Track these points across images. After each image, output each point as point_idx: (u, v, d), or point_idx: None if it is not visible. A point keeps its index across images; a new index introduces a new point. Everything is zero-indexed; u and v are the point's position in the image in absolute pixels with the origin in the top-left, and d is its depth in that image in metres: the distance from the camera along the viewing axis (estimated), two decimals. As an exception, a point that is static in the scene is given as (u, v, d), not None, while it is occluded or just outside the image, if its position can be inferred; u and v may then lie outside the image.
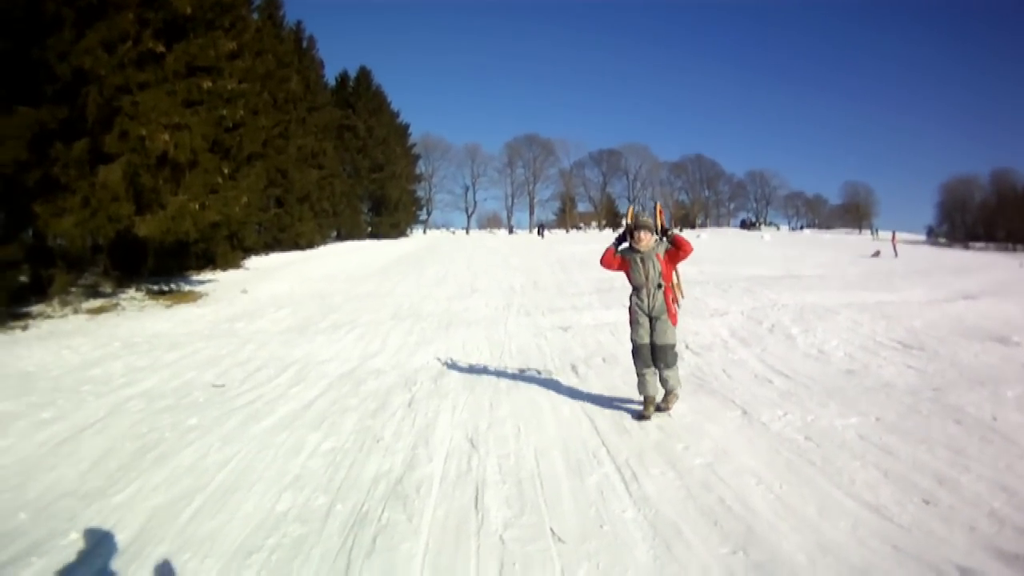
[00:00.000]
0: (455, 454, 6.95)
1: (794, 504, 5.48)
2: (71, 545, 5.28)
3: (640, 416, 8.01)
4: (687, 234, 10.20)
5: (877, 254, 45.63)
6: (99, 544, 5.26)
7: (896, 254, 45.79)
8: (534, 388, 9.58)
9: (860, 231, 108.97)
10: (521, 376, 10.43)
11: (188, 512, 5.72)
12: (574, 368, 10.81)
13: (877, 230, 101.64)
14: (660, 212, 8.50)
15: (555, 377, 10.29)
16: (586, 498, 5.75)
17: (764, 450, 6.70)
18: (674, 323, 8.06)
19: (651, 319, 8.01)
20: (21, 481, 6.60)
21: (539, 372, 10.76)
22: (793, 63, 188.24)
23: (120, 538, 5.33)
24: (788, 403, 8.30)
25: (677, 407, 8.09)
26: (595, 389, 9.40)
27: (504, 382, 10.01)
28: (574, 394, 9.18)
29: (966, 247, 74.81)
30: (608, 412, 8.24)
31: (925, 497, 5.51)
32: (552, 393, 9.25)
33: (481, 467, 6.53)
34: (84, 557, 5.10)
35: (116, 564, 4.97)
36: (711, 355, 11.36)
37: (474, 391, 9.48)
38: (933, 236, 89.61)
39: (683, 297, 8.45)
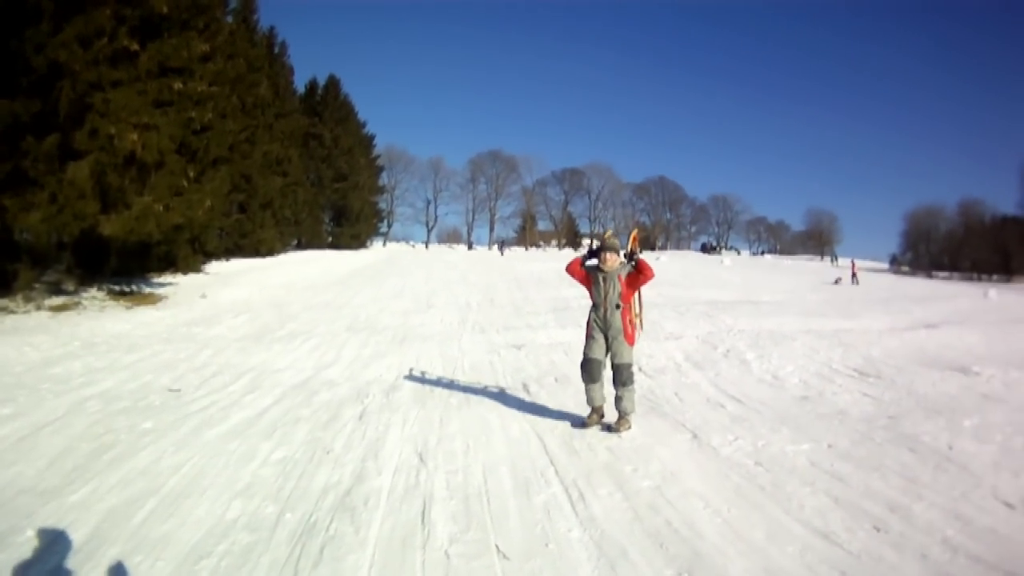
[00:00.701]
0: (404, 468, 6.97)
1: (742, 529, 5.51)
2: (27, 542, 5.28)
3: (583, 424, 8.43)
4: (646, 256, 10.21)
5: (838, 281, 46.43)
6: (55, 542, 5.27)
7: (856, 281, 46.38)
8: (485, 405, 9.64)
9: (822, 258, 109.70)
10: (473, 393, 10.45)
11: (141, 514, 5.74)
12: (526, 387, 10.89)
13: (836, 257, 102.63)
14: (635, 238, 9.03)
15: (506, 395, 10.33)
16: (532, 516, 5.80)
17: (713, 474, 6.76)
18: (630, 343, 8.35)
19: (607, 337, 8.35)
20: (-18, 475, 6.58)
21: (491, 389, 10.77)
22: (760, 88, 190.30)
23: (75, 537, 5.34)
24: (739, 428, 8.38)
25: (629, 429, 8.21)
26: (546, 408, 9.47)
27: (455, 398, 10.06)
28: (525, 412, 9.23)
29: (929, 276, 75.43)
30: (558, 432, 8.29)
31: (876, 524, 5.57)
32: (503, 411, 9.31)
33: (429, 482, 6.56)
34: (40, 554, 5.11)
35: (71, 563, 4.98)
36: (664, 378, 11.44)
37: (425, 406, 9.53)
38: (896, 264, 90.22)
39: (640, 328, 8.82)
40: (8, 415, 8.67)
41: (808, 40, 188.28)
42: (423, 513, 5.85)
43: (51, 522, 5.59)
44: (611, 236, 8.71)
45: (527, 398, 10.12)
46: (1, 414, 8.69)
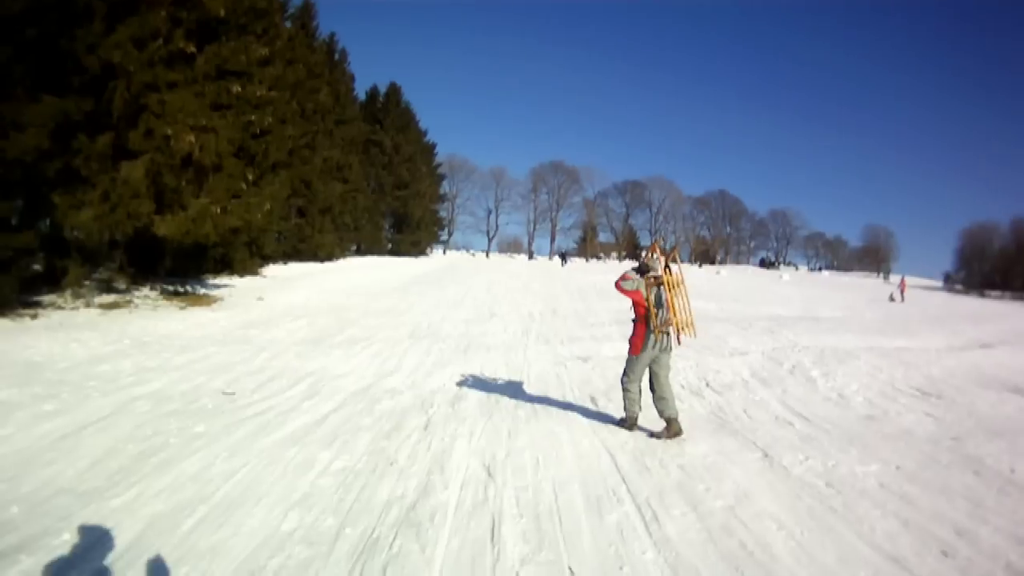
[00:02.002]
0: (471, 483, 6.76)
1: (815, 552, 5.42)
2: (63, 545, 5.09)
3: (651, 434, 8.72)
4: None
5: (893, 298, 46.10)
6: (93, 547, 5.08)
7: (903, 299, 46.25)
8: (553, 418, 9.41)
9: (878, 274, 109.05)
10: (540, 405, 10.22)
11: (189, 523, 5.52)
12: (594, 400, 10.63)
13: (888, 274, 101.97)
14: (656, 250, 9.08)
15: (575, 408, 10.07)
16: (606, 537, 5.61)
17: (785, 495, 6.63)
18: (632, 351, 8.84)
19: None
20: (17, 473, 6.41)
21: (558, 402, 10.51)
22: (821, 105, 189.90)
23: (116, 543, 5.14)
24: (809, 447, 8.30)
25: (699, 446, 8.16)
26: (615, 423, 9.22)
27: (523, 410, 9.82)
28: (594, 427, 9.01)
29: (982, 295, 75.01)
30: (629, 447, 8.12)
31: (944, 548, 5.55)
32: (571, 424, 9.09)
33: (498, 498, 6.36)
34: (76, 559, 4.92)
35: (110, 570, 4.80)
36: (732, 394, 11.28)
37: (492, 418, 9.30)
38: (950, 282, 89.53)
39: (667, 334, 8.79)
40: (50, 412, 8.45)
41: (869, 57, 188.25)
42: (492, 531, 5.66)
43: (90, 525, 5.40)
44: (650, 260, 8.89)
45: (595, 412, 9.87)
46: (43, 410, 8.48)
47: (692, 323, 8.84)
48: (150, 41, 17.52)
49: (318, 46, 50.00)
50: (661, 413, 8.68)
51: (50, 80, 16.02)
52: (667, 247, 9.20)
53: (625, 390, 8.92)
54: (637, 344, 8.75)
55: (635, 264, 9.07)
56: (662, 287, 8.66)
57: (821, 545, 5.52)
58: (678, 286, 8.72)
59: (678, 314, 8.65)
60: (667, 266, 8.87)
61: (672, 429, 8.58)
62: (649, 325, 8.62)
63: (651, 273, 8.71)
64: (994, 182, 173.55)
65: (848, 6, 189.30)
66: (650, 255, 8.90)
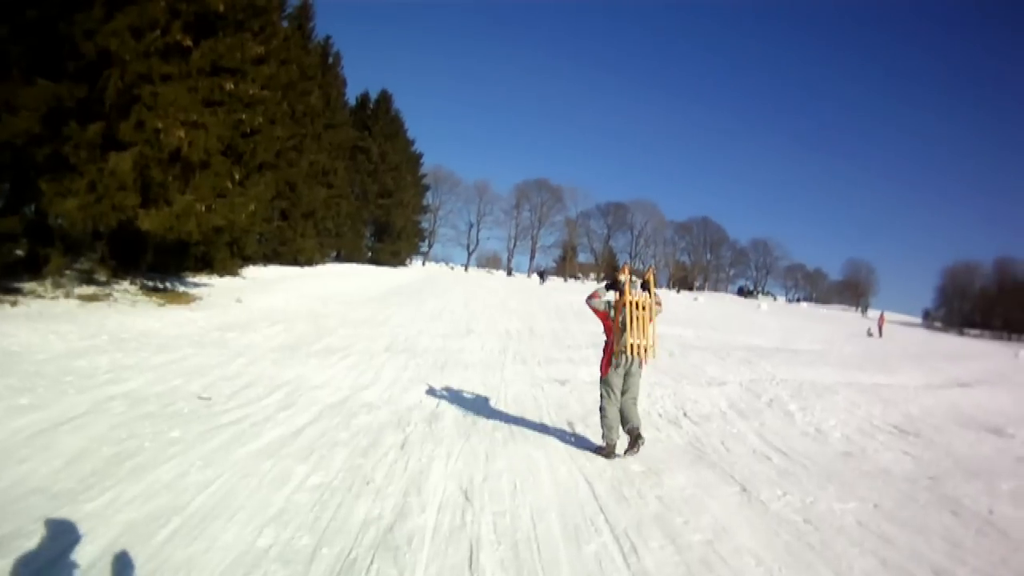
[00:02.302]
0: (449, 506, 6.71)
1: None
2: (35, 548, 5.02)
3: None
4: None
5: (871, 333, 46.66)
6: (66, 552, 5.00)
7: (880, 334, 46.86)
8: (531, 442, 9.37)
9: (857, 308, 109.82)
10: (517, 428, 10.19)
11: (164, 533, 5.45)
12: (571, 425, 10.64)
13: (866, 308, 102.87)
14: (626, 271, 9.12)
15: (552, 432, 10.06)
16: (584, 568, 5.58)
17: (763, 530, 6.63)
18: (601, 373, 9.18)
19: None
20: (-8, 467, 6.31)
21: (536, 426, 10.50)
22: (808, 136, 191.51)
23: (89, 550, 5.06)
24: (787, 482, 8.34)
25: (677, 477, 8.17)
26: (592, 450, 9.20)
27: (500, 432, 9.77)
28: (571, 453, 8.99)
29: (961, 333, 75.81)
30: (607, 476, 8.09)
31: None
32: (549, 450, 9.06)
33: (476, 523, 6.31)
34: (48, 564, 4.85)
35: (88, 579, 4.74)
36: (710, 425, 11.30)
37: (469, 439, 9.25)
38: (929, 319, 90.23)
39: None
40: (25, 406, 8.36)
41: (853, 92, 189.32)
42: (471, 558, 5.61)
43: (64, 529, 5.33)
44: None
45: (573, 438, 9.87)
46: (18, 404, 8.40)
47: (651, 347, 8.82)
48: (148, 31, 17.45)
49: (313, 48, 49.91)
50: (624, 425, 8.93)
51: (46, 64, 15.97)
52: (642, 269, 9.54)
53: (601, 412, 9.02)
54: (605, 366, 9.06)
55: (607, 281, 9.35)
56: (627, 307, 8.74)
57: (800, 582, 5.51)
58: (644, 308, 8.79)
59: (636, 335, 8.69)
60: (643, 286, 9.09)
61: (634, 441, 8.80)
62: (614, 342, 8.89)
63: (616, 292, 8.98)
64: (976, 221, 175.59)
65: (841, 34, 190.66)
66: (621, 275, 9.01)
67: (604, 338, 9.31)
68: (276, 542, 5.51)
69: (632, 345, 8.65)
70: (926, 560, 6.13)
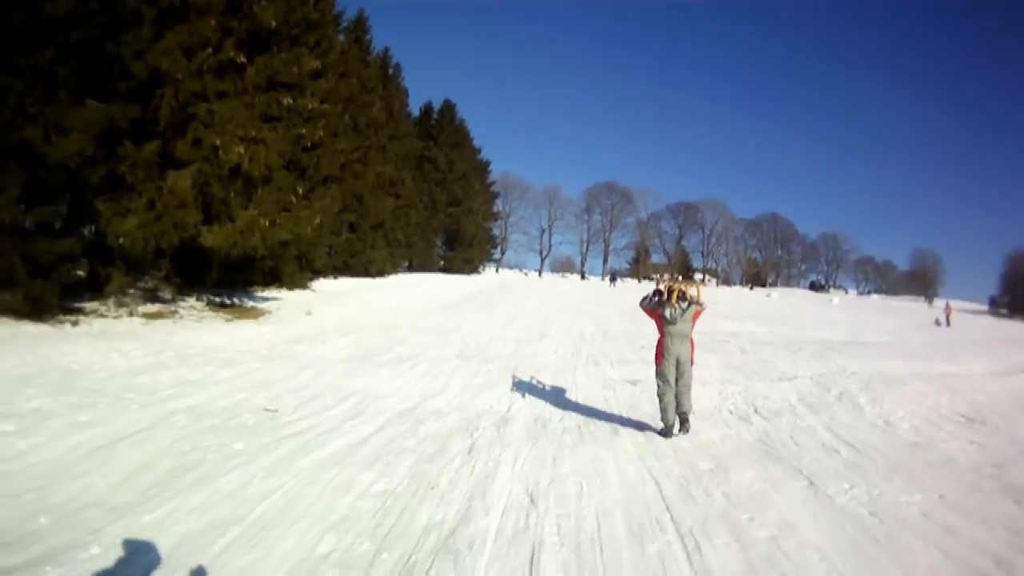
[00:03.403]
0: (513, 509, 6.69)
1: None
2: (91, 560, 5.05)
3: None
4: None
5: (939, 323, 46.00)
6: (121, 563, 5.04)
7: (948, 323, 46.15)
8: (599, 444, 9.33)
9: (926, 299, 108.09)
10: (587, 430, 10.13)
11: (222, 543, 5.47)
12: (641, 426, 10.56)
13: (933, 299, 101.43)
14: (669, 282, 10.67)
15: (621, 434, 10.00)
16: (646, 567, 5.56)
17: (829, 524, 6.57)
18: (656, 363, 10.30)
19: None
20: (47, 483, 6.39)
21: (605, 427, 10.42)
22: (873, 130, 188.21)
23: (145, 560, 5.10)
24: (854, 475, 8.24)
25: (745, 473, 8.20)
26: (662, 449, 9.18)
27: (569, 436, 9.74)
28: (640, 453, 8.97)
29: (1026, 318, 74.14)
30: (674, 475, 8.06)
31: None
32: (618, 451, 9.01)
33: (539, 526, 6.29)
34: (102, 575, 4.87)
35: (137, 589, 4.76)
36: (779, 420, 11.23)
37: (537, 443, 9.24)
38: (995, 307, 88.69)
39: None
40: (85, 422, 8.41)
41: (915, 83, 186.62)
42: (532, 560, 5.59)
43: (120, 540, 5.35)
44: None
45: (642, 438, 9.82)
46: (77, 420, 8.44)
47: (700, 298, 10.35)
48: (199, 50, 17.62)
49: (372, 60, 50.20)
50: (677, 408, 10.05)
51: (95, 85, 16.00)
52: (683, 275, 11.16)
53: (659, 399, 10.08)
54: (658, 357, 10.18)
55: (652, 290, 10.69)
56: (679, 300, 10.13)
57: (863, 576, 5.43)
58: (692, 293, 10.31)
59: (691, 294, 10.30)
60: (683, 296, 10.25)
61: (684, 424, 10.05)
62: (665, 339, 10.12)
63: (660, 292, 10.37)
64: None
65: (901, 31, 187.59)
66: (665, 284, 10.45)
67: (659, 334, 10.28)
68: (336, 548, 5.52)
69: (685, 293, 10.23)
70: (989, 550, 6.06)
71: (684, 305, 10.14)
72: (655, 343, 10.47)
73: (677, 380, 10.05)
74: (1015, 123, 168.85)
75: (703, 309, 10.34)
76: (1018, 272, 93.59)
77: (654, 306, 10.36)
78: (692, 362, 10.29)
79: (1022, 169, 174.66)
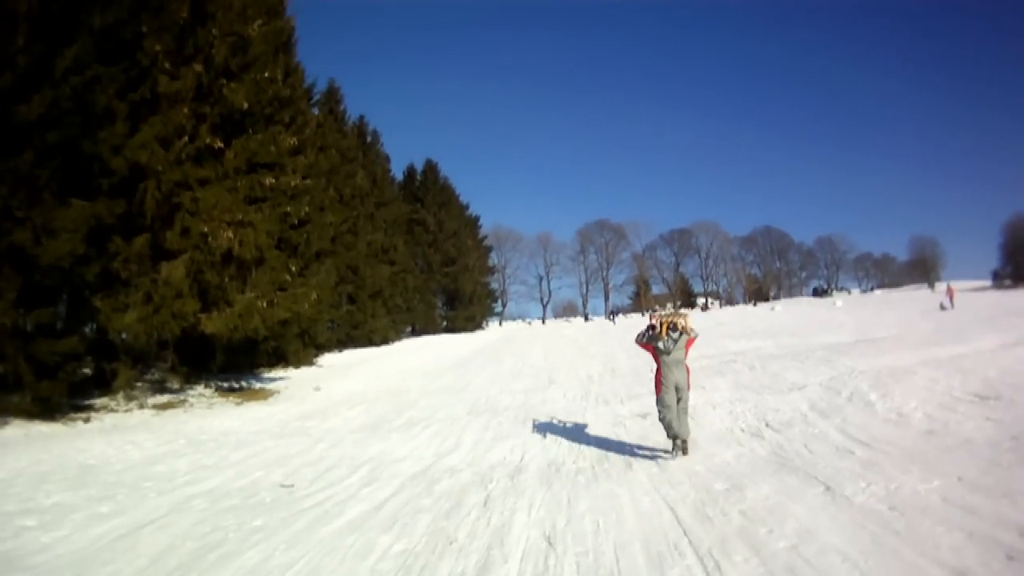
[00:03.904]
0: (531, 554, 6.75)
1: None
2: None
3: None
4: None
5: (944, 307, 45.84)
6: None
7: (952, 305, 46.09)
8: (613, 480, 9.38)
9: (928, 286, 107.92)
10: (600, 468, 10.18)
11: (250, 614, 5.47)
12: (654, 455, 10.62)
13: (934, 283, 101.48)
14: (664, 323, 11.20)
15: (635, 467, 10.06)
16: None
17: (848, 525, 6.58)
18: (656, 392, 10.83)
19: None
20: (76, 574, 6.48)
21: (618, 462, 10.50)
22: (853, 123, 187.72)
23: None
24: (871, 473, 8.23)
25: (760, 488, 8.22)
26: (676, 477, 9.21)
27: (583, 476, 9.80)
28: (655, 483, 9.01)
29: (1031, 286, 73.99)
30: (689, 500, 8.08)
31: (1009, 553, 5.56)
32: (632, 485, 9.05)
33: (559, 566, 6.34)
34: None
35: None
36: (791, 431, 11.21)
37: (551, 487, 9.28)
38: (999, 280, 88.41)
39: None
40: (106, 513, 8.53)
41: (891, 64, 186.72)
42: (552, 602, 5.49)
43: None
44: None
45: (656, 469, 9.86)
46: (99, 512, 8.56)
47: (688, 326, 11.00)
48: (175, 139, 17.88)
49: (348, 130, 50.72)
50: (675, 434, 10.52)
51: (78, 184, 16.25)
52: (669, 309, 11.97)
53: (662, 423, 10.60)
54: (658, 386, 10.72)
55: (646, 326, 11.42)
56: (670, 331, 10.83)
57: (886, 571, 5.51)
58: (681, 323, 10.95)
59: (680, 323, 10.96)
60: (674, 327, 10.95)
61: (683, 447, 10.49)
62: (661, 367, 10.74)
63: (653, 327, 11.06)
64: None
65: (869, 23, 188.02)
66: (656, 318, 11.28)
67: (656, 365, 10.97)
68: (361, 610, 5.47)
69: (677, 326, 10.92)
70: (1012, 523, 6.05)
71: (676, 335, 10.80)
72: (654, 372, 10.95)
73: (677, 402, 10.58)
74: (997, 93, 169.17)
75: (695, 337, 11.07)
76: (1017, 240, 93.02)
77: (648, 340, 11.07)
78: (689, 387, 10.90)
79: (1009, 141, 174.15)
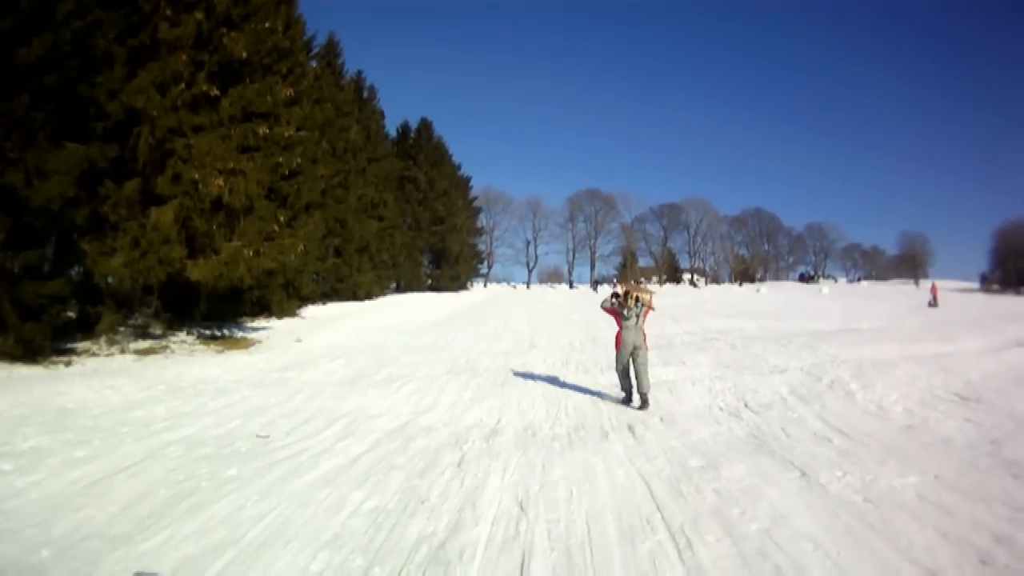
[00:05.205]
0: (503, 518, 6.72)
1: (852, 571, 5.42)
2: (90, 589, 5.07)
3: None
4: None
5: (931, 304, 45.90)
6: (119, 591, 5.06)
7: (936, 303, 46.18)
8: (588, 449, 9.35)
9: (915, 282, 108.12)
10: (576, 437, 10.15)
11: (218, 565, 5.53)
12: (631, 428, 10.56)
13: (919, 280, 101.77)
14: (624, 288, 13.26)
15: (611, 437, 10.01)
16: (637, 567, 5.58)
17: (823, 513, 6.58)
18: (615, 348, 12.80)
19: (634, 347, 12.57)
20: (47, 518, 6.45)
21: (595, 432, 10.46)
22: (852, 115, 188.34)
23: (142, 587, 5.12)
24: (847, 462, 8.23)
25: (736, 469, 8.20)
26: (651, 451, 9.19)
27: (558, 443, 9.77)
28: (630, 456, 8.98)
29: (1018, 292, 74.18)
30: (664, 475, 8.08)
31: (982, 557, 5.52)
32: (607, 455, 9.03)
33: (529, 532, 6.32)
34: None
35: (137, 613, 4.79)
36: (770, 414, 11.19)
37: (527, 451, 9.26)
38: (987, 283, 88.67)
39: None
40: (81, 458, 8.47)
41: (892, 61, 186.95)
42: (522, 566, 5.63)
43: (119, 569, 5.41)
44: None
45: (632, 440, 9.83)
46: (74, 456, 8.51)
47: (650, 302, 12.92)
48: (172, 85, 17.76)
49: (345, 84, 50.14)
50: (637, 389, 12.32)
51: (72, 127, 16.14)
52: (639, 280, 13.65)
53: (618, 375, 12.79)
54: (617, 345, 12.63)
55: (614, 291, 13.35)
56: (632, 300, 12.64)
57: (858, 563, 5.48)
58: (642, 295, 12.84)
59: (643, 298, 12.79)
60: (637, 299, 12.76)
61: (644, 401, 12.07)
62: (623, 332, 12.53)
63: (618, 295, 12.92)
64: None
65: (871, 19, 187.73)
66: (621, 285, 13.36)
67: (617, 328, 12.79)
68: (329, 566, 5.57)
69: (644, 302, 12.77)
70: (986, 527, 6.04)
71: (637, 306, 12.59)
72: (615, 335, 12.80)
73: (635, 361, 12.38)
74: (998, 96, 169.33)
75: (652, 309, 12.93)
76: (1007, 246, 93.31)
77: (613, 306, 12.84)
78: (647, 348, 12.61)
79: (1005, 144, 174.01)
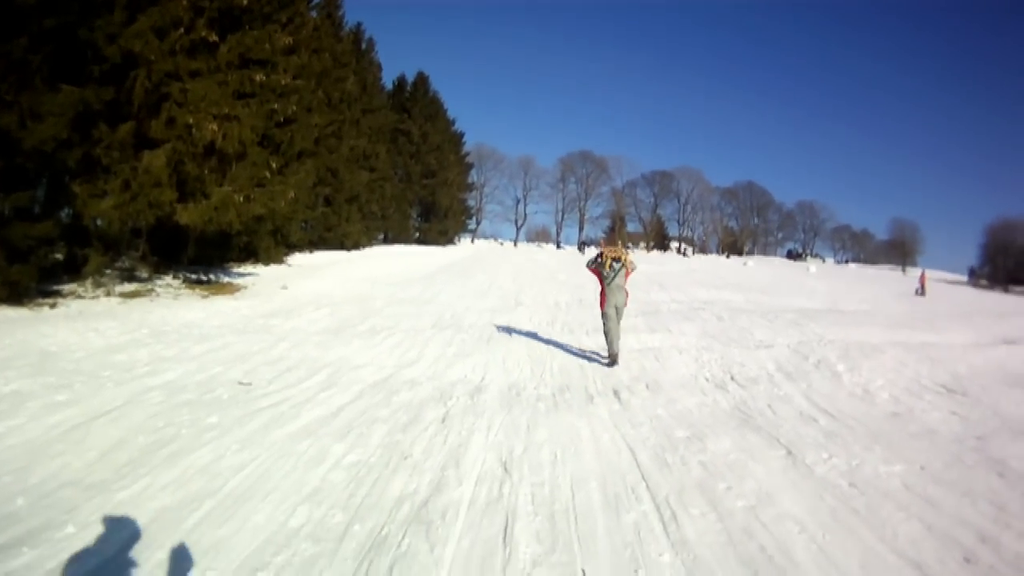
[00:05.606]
0: (486, 479, 6.70)
1: (836, 557, 5.38)
2: (66, 539, 5.05)
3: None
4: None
5: (918, 292, 45.75)
6: (96, 541, 5.03)
7: (924, 292, 45.91)
8: (574, 412, 9.34)
9: (903, 269, 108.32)
10: (561, 398, 10.12)
11: (195, 517, 5.47)
12: (616, 393, 10.53)
13: (907, 267, 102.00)
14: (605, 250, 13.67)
15: (597, 401, 9.99)
16: (622, 538, 5.54)
17: (808, 495, 6.56)
18: (600, 306, 13.33)
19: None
20: (25, 464, 6.38)
21: (581, 395, 10.42)
22: (849, 98, 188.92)
23: (119, 537, 5.09)
24: (833, 445, 8.18)
25: (722, 442, 8.17)
26: (637, 418, 9.16)
27: (543, 404, 9.74)
28: (616, 421, 8.96)
29: (1006, 290, 74.17)
30: (650, 443, 8.04)
31: (966, 555, 5.50)
32: (593, 418, 9.02)
33: (513, 495, 6.30)
34: (78, 554, 4.87)
35: (111, 566, 4.76)
36: (756, 388, 11.15)
37: (511, 411, 9.23)
38: (975, 278, 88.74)
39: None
40: (62, 402, 8.38)
41: (896, 52, 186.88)
42: (505, 530, 5.59)
43: (95, 519, 5.36)
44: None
45: (617, 406, 9.81)
46: (54, 401, 8.42)
47: (629, 265, 13.35)
48: (171, 30, 17.50)
49: (344, 36, 49.70)
50: (608, 348, 12.89)
51: (69, 70, 15.95)
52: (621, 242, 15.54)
53: (605, 333, 13.06)
54: (601, 303, 13.18)
55: (595, 253, 13.84)
56: (613, 262, 13.15)
57: (843, 550, 5.46)
58: (623, 257, 13.36)
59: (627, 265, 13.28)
60: (617, 259, 13.27)
61: (612, 359, 12.78)
62: (605, 289, 13.08)
63: (600, 255, 13.35)
64: (1020, 177, 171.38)
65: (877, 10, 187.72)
66: (601, 248, 13.58)
67: (600, 287, 13.32)
68: (308, 521, 5.53)
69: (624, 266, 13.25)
70: (971, 524, 6.01)
71: (617, 266, 13.10)
72: (599, 291, 13.37)
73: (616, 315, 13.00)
74: (996, 93, 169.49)
75: (632, 269, 13.43)
76: (998, 243, 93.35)
77: (596, 266, 13.30)
78: (626, 304, 13.35)
79: (1002, 140, 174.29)
